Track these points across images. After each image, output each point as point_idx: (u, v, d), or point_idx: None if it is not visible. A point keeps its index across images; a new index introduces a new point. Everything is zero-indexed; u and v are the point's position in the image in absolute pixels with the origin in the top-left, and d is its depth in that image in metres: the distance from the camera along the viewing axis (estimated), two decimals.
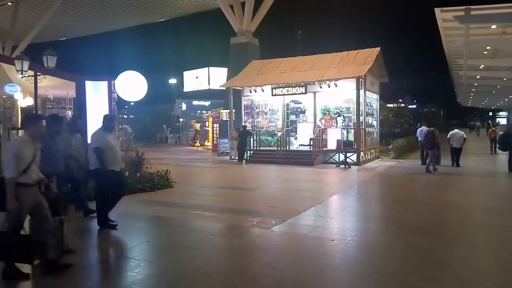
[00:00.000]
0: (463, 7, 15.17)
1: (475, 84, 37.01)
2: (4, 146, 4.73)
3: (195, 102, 39.52)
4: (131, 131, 11.02)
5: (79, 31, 35.18)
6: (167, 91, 44.03)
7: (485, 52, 22.49)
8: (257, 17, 24.99)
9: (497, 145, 16.69)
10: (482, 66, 26.13)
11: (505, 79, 30.59)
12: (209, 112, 31.89)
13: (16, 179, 3.94)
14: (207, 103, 38.33)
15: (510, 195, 9.97)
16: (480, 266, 4.65)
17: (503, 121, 58.48)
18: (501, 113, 68.77)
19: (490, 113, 79.34)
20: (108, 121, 6.21)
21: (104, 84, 10.53)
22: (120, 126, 10.58)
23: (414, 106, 63.66)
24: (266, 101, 18.55)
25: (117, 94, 10.02)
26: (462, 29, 17.08)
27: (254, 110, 18.88)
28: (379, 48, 17.41)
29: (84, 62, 39.25)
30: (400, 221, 6.81)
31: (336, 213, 7.78)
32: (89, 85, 10.50)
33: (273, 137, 18.19)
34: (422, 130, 15.93)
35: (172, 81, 45.42)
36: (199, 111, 37.74)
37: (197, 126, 35.71)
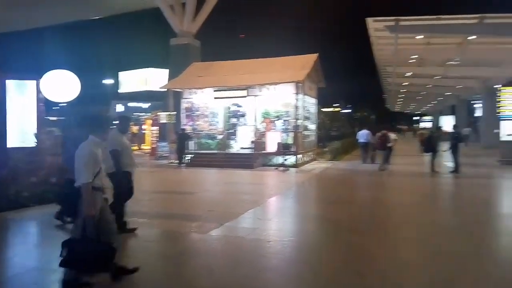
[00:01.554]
0: (393, 18, 16.26)
1: (402, 90, 39.93)
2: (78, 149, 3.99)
3: (132, 104, 38.11)
4: (61, 133, 10.29)
5: (3, 26, 32.35)
6: (102, 92, 41.97)
7: (412, 61, 24.36)
8: (198, 19, 24.74)
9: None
10: (409, 73, 28.24)
11: (429, 86, 33.40)
12: (148, 114, 30.92)
13: (92, 183, 3.75)
14: (146, 105, 37.16)
15: (432, 193, 10.83)
16: (404, 260, 4.96)
17: (428, 125, 63.44)
18: (425, 118, 74.68)
19: (416, 118, 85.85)
20: (123, 122, 6.10)
21: (32, 84, 9.75)
22: (47, 129, 9.86)
23: (349, 111, 67.00)
24: (207, 104, 18.38)
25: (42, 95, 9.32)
26: (392, 38, 18.29)
27: (195, 113, 18.61)
28: (317, 54, 18.06)
29: (9, 61, 36.11)
30: (334, 220, 7.09)
31: (274, 214, 7.90)
32: (12, 84, 9.64)
33: (213, 140, 18.08)
34: (363, 133, 17.79)
35: (108, 81, 43.43)
36: (136, 113, 36.47)
37: (134, 129, 34.43)
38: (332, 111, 44.85)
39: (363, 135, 17.73)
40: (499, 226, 6.93)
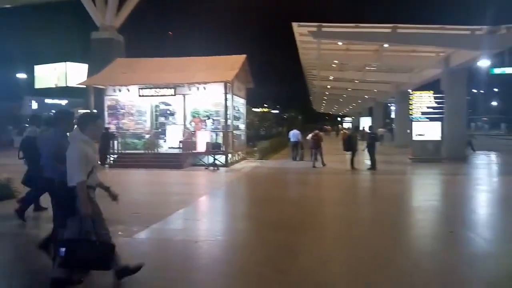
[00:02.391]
0: (316, 24, 17.01)
1: (327, 93, 42.11)
2: (69, 149, 3.89)
3: (48, 101, 35.20)
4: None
5: None
6: (14, 87, 38.12)
7: (334, 65, 25.77)
8: (122, 12, 23.64)
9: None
10: (332, 77, 29.84)
11: (350, 89, 35.63)
12: None
13: (86, 182, 3.73)
14: (63, 102, 34.54)
15: (351, 189, 11.58)
16: (323, 254, 5.23)
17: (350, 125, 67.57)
18: (347, 119, 79.57)
19: (339, 119, 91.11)
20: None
21: None
22: None
23: (277, 111, 68.83)
24: (132, 102, 17.65)
25: None
26: (315, 43, 19.16)
27: (119, 111, 17.76)
28: (245, 55, 18.29)
29: None
30: (261, 218, 7.25)
31: (203, 214, 7.86)
32: None
33: (140, 140, 17.41)
34: (293, 132, 19.28)
35: (21, 76, 39.60)
36: (54, 111, 33.77)
37: None
38: (261, 111, 45.67)
39: (294, 134, 19.12)
40: (412, 218, 7.62)
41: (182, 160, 15.62)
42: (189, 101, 17.13)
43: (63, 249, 3.63)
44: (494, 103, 79.10)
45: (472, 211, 8.08)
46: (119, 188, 10.42)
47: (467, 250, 5.44)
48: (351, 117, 72.79)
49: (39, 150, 4.95)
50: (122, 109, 17.73)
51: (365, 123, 38.68)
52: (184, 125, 17.09)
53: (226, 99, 16.42)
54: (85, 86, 19.12)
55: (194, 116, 17.21)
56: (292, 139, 19.23)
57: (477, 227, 6.70)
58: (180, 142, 16.43)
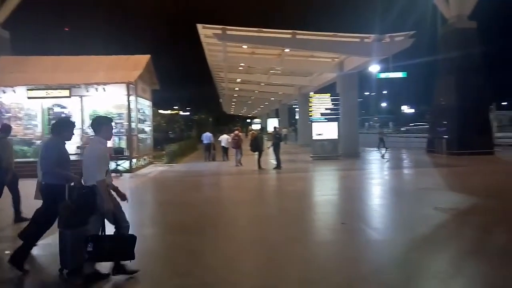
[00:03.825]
0: (220, 26, 17.20)
1: (235, 95, 42.84)
2: (88, 151, 4.30)
3: None
4: None
5: None
6: None
7: (241, 68, 26.33)
8: (7, 6, 21.05)
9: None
10: (239, 79, 30.43)
11: (257, 91, 36.71)
12: None
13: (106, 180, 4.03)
14: None
15: (256, 188, 11.95)
16: (227, 254, 5.31)
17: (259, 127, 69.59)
18: (256, 120, 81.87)
19: (249, 120, 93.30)
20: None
21: None
22: None
23: (188, 113, 68.01)
24: (20, 104, 15.85)
25: None
26: (221, 45, 19.35)
27: (5, 115, 15.80)
28: (149, 55, 17.67)
29: None
30: (164, 222, 7.09)
31: None
32: None
33: (30, 147, 15.71)
34: (206, 135, 20.58)
35: None
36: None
37: None
38: (170, 113, 44.67)
39: (206, 136, 20.54)
40: (310, 213, 8.10)
41: (80, 167, 14.46)
42: (88, 103, 15.97)
43: (90, 245, 3.90)
44: (384, 104, 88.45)
45: (363, 203, 8.90)
46: (4, 200, 9.35)
47: (356, 240, 5.98)
48: (260, 118, 75.06)
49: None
50: (7, 112, 15.82)
51: (272, 124, 40.23)
52: (82, 129, 15.88)
53: (129, 101, 15.68)
54: None
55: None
56: (204, 141, 20.54)
57: (367, 218, 7.39)
58: (77, 148, 15.22)
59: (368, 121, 78.64)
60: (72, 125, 4.91)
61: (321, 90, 24.45)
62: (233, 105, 61.42)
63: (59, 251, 4.36)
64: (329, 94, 19.30)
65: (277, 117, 46.85)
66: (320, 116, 18.69)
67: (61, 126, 4.79)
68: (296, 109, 43.62)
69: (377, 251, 5.40)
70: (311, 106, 18.78)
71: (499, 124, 37.43)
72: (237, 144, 16.98)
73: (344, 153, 19.08)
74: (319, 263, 4.89)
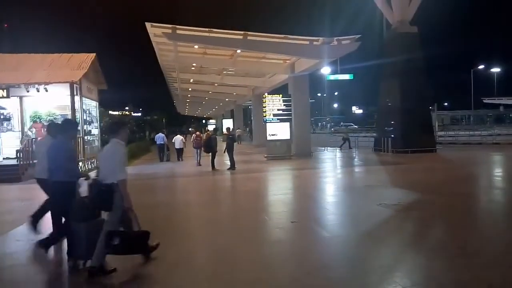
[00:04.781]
0: (170, 26, 16.82)
1: (189, 95, 42.21)
2: (108, 151, 4.53)
3: None
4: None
5: None
6: None
7: (193, 68, 25.96)
8: None
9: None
10: (192, 80, 30.01)
11: (211, 92, 36.41)
12: None
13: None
14: None
15: (209, 189, 11.83)
16: (172, 259, 5.19)
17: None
18: (212, 121, 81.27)
19: (204, 121, 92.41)
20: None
21: None
22: None
23: (139, 114, 66.15)
24: None
25: None
26: (172, 45, 18.94)
27: None
28: (94, 54, 16.95)
29: None
30: None
31: (42, 232, 6.93)
32: None
33: None
34: (159, 136, 21.13)
35: None
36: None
37: None
38: (120, 114, 43.10)
39: (160, 137, 20.89)
40: (261, 212, 8.12)
41: (20, 172, 13.56)
42: (28, 104, 15.04)
43: (116, 239, 4.27)
44: (336, 105, 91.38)
45: (314, 201, 9.07)
46: None
47: (305, 237, 6.08)
48: (215, 119, 74.56)
49: None
50: None
51: (227, 125, 40.14)
52: (23, 131, 14.91)
53: (73, 102, 14.93)
54: None
55: (34, 121, 15.17)
56: (158, 142, 20.89)
57: (317, 216, 7.54)
58: (17, 151, 14.26)
59: (321, 122, 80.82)
60: (76, 125, 5.92)
61: (275, 91, 24.67)
62: (187, 105, 60.52)
63: (69, 243, 4.76)
64: (281, 95, 19.52)
65: (232, 117, 46.79)
66: (274, 117, 18.87)
67: (67, 126, 5.26)
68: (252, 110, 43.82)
69: (325, 247, 5.52)
70: (265, 107, 18.90)
71: (441, 123, 39.98)
72: (198, 144, 16.99)
73: (297, 153, 19.42)
74: (267, 262, 4.91)
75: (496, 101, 54.12)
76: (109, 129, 5.19)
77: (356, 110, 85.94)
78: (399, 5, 19.85)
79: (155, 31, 17.25)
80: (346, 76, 30.39)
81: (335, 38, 17.82)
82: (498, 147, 21.83)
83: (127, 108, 72.04)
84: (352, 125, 61.13)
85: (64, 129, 5.13)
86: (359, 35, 17.57)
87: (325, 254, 5.26)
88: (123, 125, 4.90)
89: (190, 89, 35.46)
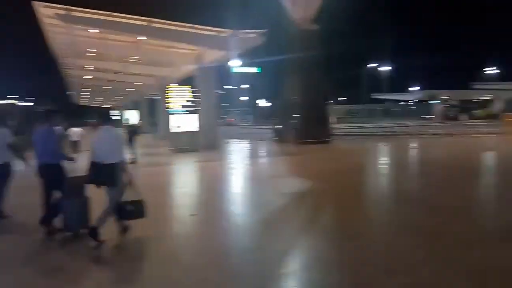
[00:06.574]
0: (64, 6, 15.31)
1: (88, 84, 39.13)
2: (105, 136, 5.39)
3: None
4: None
5: None
6: None
7: (92, 54, 24.06)
8: None
9: None
10: (91, 67, 27.85)
11: (112, 80, 34.24)
12: None
13: None
14: None
15: None
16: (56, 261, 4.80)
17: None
18: (114, 112, 76.55)
19: (105, 112, 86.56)
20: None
21: None
22: None
23: (32, 104, 59.57)
24: None
25: None
26: (67, 28, 17.29)
27: None
28: None
29: None
30: None
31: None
32: None
33: None
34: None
35: None
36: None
37: None
38: (3, 103, 38.21)
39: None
40: (164, 207, 7.90)
41: None
42: None
43: (130, 207, 5.26)
44: (245, 98, 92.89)
45: (217, 193, 9.11)
46: None
47: (205, 230, 6.10)
48: (119, 110, 70.35)
49: None
50: None
51: (132, 116, 38.17)
52: None
53: None
54: None
55: None
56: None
57: (219, 207, 7.57)
58: None
59: (230, 114, 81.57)
60: (59, 112, 6.24)
61: (185, 82, 24.08)
62: (85, 95, 56.06)
63: (66, 218, 5.40)
64: (190, 86, 19.16)
65: (137, 109, 44.63)
66: (180, 108, 18.40)
67: (52, 114, 5.93)
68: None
69: (222, 239, 5.59)
70: (167, 98, 18.34)
71: (337, 116, 43.38)
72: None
73: (204, 145, 19.32)
74: (161, 257, 4.81)
75: (383, 96, 60.65)
76: (103, 116, 5.92)
77: (262, 103, 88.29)
78: (301, 3, 20.81)
79: (47, 12, 15.57)
80: (254, 69, 31.11)
81: (242, 31, 18.07)
82: (385, 138, 24.43)
83: (15, 97, 64.44)
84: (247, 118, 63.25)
85: (49, 117, 5.84)
86: (265, 30, 18.07)
87: (222, 245, 5.33)
88: (114, 115, 5.12)
89: (89, 77, 32.89)
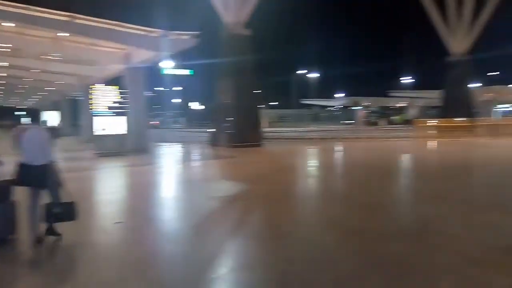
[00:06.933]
0: None
1: (3, 82, 35.59)
2: (34, 136, 5.35)
3: None
4: None
5: None
6: None
7: (6, 50, 21.90)
8: None
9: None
10: (6, 64, 25.37)
11: (29, 79, 31.50)
12: None
13: None
14: None
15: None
16: None
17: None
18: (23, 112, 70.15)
19: (20, 113, 79.25)
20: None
21: None
22: None
23: None
24: None
25: None
26: None
27: None
28: None
29: None
30: None
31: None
32: None
33: None
34: None
35: None
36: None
37: None
38: None
39: None
40: (89, 215, 7.38)
41: None
42: None
43: (60, 208, 5.20)
44: (178, 100, 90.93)
45: (145, 199, 8.73)
46: None
47: (129, 238, 5.81)
48: (37, 110, 64.74)
49: None
50: None
51: (51, 117, 35.37)
52: None
53: None
54: None
55: None
56: None
57: (146, 213, 7.27)
58: None
59: (161, 116, 79.33)
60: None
61: (113, 82, 22.85)
62: (1, 95, 50.91)
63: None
64: (117, 87, 18.21)
65: (58, 109, 41.49)
66: (106, 110, 17.41)
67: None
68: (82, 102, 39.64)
69: (150, 246, 5.37)
70: (91, 99, 17.28)
71: (269, 120, 44.35)
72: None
73: (133, 149, 18.49)
74: (77, 267, 4.48)
75: (311, 102, 63.42)
76: (32, 116, 5.55)
77: (195, 106, 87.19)
78: (233, 7, 20.94)
79: None
80: (186, 72, 30.60)
81: (174, 32, 17.68)
82: (313, 141, 25.46)
83: None
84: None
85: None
86: (198, 32, 17.87)
87: (150, 252, 5.11)
88: (41, 114, 4.58)
89: (5, 74, 29.87)
